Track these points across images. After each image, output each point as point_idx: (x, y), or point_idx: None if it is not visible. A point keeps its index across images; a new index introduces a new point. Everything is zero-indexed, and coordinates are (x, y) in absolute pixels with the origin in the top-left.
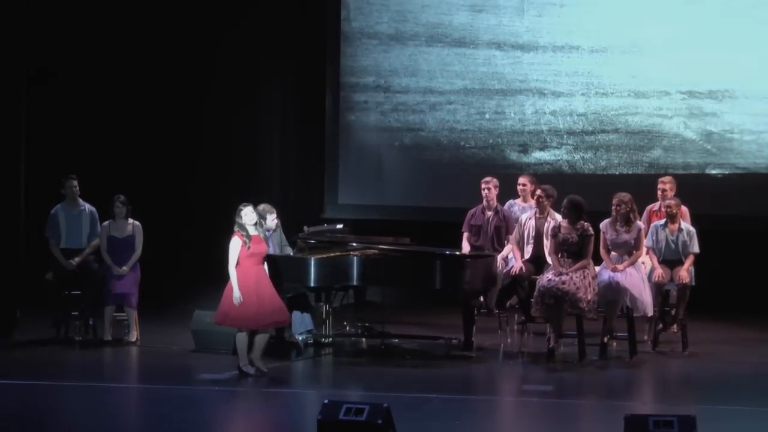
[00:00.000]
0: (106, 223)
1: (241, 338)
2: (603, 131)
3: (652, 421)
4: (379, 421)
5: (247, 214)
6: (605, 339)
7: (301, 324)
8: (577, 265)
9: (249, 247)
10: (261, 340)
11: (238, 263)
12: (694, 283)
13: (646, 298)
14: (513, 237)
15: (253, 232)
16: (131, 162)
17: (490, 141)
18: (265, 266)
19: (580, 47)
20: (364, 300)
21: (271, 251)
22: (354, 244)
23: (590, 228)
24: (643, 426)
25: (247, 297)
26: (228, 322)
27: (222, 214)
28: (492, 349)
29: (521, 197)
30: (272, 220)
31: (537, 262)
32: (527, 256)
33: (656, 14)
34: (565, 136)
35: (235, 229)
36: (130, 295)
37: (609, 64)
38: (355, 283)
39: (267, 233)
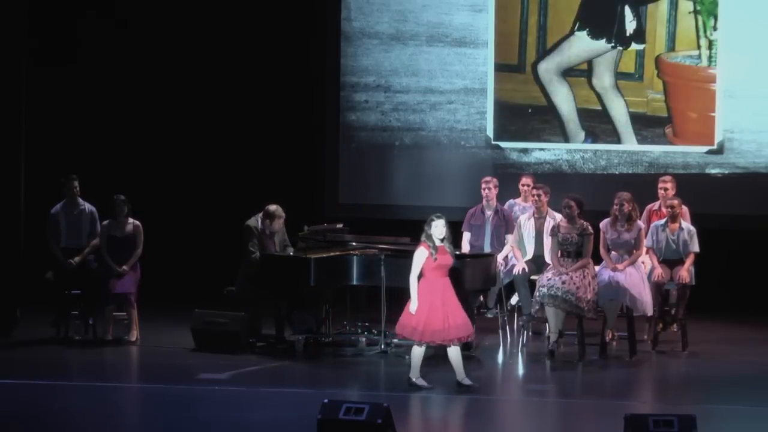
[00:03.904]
0: (105, 222)
1: (418, 351)
2: None
3: (652, 421)
4: (379, 421)
5: (438, 227)
6: (607, 337)
7: None
8: (577, 264)
9: (435, 259)
10: (456, 355)
11: (423, 275)
12: (694, 283)
13: (645, 297)
14: (513, 238)
15: (440, 243)
16: (131, 161)
17: (491, 141)
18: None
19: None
20: (364, 299)
21: (272, 251)
22: (354, 243)
23: (590, 227)
24: (643, 425)
25: (434, 310)
26: (416, 335)
27: (222, 213)
28: (492, 349)
29: (522, 197)
30: (280, 224)
31: (537, 262)
32: (529, 256)
33: (656, 13)
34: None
35: (422, 239)
36: (130, 294)
37: (608, 62)
38: (355, 282)
39: (267, 233)
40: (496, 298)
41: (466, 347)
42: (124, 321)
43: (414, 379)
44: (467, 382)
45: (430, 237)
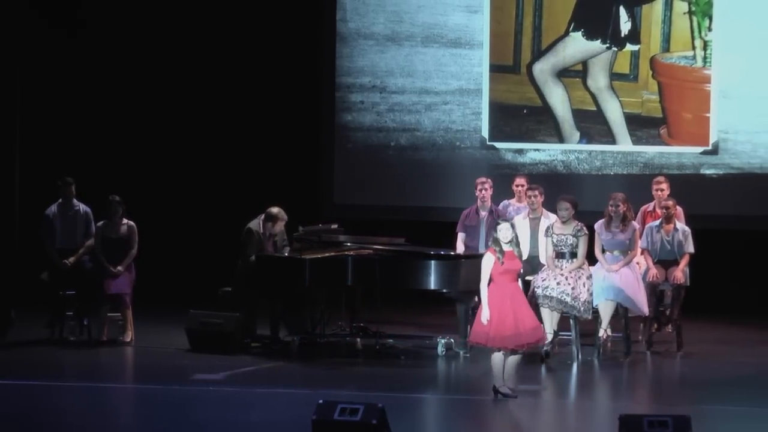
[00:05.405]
0: (100, 223)
1: (498, 358)
2: None
3: (646, 421)
4: (374, 421)
5: (502, 230)
6: (602, 338)
7: None
8: (572, 265)
9: (503, 263)
10: (513, 362)
11: (492, 280)
12: (688, 284)
13: (640, 298)
14: None
15: (507, 248)
16: (126, 162)
17: (486, 141)
18: (520, 282)
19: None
20: (359, 300)
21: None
22: (349, 244)
23: (585, 227)
24: (638, 426)
25: (504, 315)
26: (488, 342)
27: (217, 213)
28: (487, 350)
29: (516, 197)
30: (281, 226)
31: (532, 263)
32: (524, 257)
33: (651, 14)
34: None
35: (490, 244)
36: (124, 295)
37: (603, 63)
38: (350, 283)
39: (267, 235)
40: None
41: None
42: (119, 321)
43: (499, 388)
44: (505, 390)
45: (497, 241)
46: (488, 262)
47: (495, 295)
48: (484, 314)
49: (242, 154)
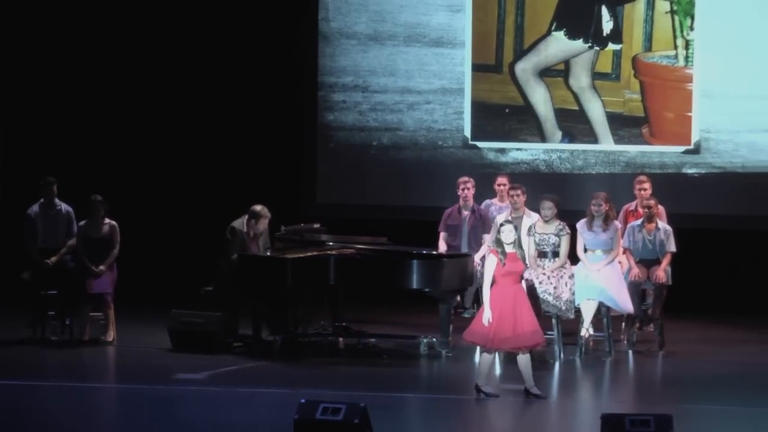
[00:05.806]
0: (82, 222)
1: (486, 359)
2: None
3: (628, 420)
4: (356, 421)
5: (505, 232)
6: (584, 337)
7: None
8: (555, 264)
9: (504, 264)
10: (525, 363)
11: (494, 281)
12: (670, 283)
13: (624, 296)
14: (489, 238)
15: (510, 250)
16: (108, 161)
17: (468, 140)
18: (523, 284)
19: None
20: (341, 299)
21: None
22: (331, 243)
23: (567, 227)
24: (620, 425)
25: (504, 317)
26: (487, 343)
27: (200, 213)
28: (469, 349)
29: (498, 197)
30: (265, 224)
31: None
32: None
33: (633, 13)
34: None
35: (492, 246)
36: (106, 294)
37: (585, 62)
38: (332, 282)
39: (251, 234)
40: (473, 297)
41: (443, 347)
42: (101, 321)
43: (481, 387)
44: (536, 391)
45: (499, 243)
46: (491, 265)
47: (497, 296)
48: (486, 315)
49: (225, 154)
